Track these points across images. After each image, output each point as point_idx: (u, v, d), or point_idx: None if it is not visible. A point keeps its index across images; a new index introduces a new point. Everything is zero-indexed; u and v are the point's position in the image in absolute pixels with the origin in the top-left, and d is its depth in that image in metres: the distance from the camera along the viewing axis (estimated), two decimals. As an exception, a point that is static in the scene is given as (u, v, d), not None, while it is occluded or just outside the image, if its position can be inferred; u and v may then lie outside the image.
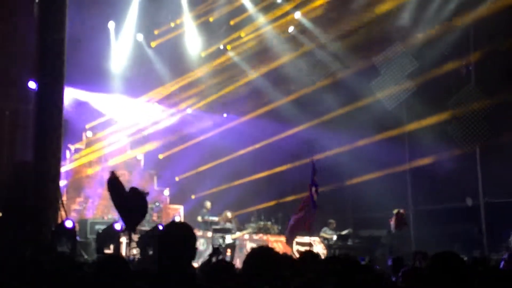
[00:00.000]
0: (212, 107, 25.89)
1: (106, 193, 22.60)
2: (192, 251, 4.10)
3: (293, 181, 25.23)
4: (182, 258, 4.04)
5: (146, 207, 12.34)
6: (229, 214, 21.01)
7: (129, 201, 12.06)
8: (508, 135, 19.96)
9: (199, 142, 25.68)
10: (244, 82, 25.48)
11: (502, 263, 9.35)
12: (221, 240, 19.84)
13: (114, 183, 12.16)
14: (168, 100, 25.48)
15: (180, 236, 4.12)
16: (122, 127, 24.76)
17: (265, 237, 22.02)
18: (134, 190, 12.17)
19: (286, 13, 23.54)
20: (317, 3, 22.59)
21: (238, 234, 20.74)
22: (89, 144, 23.74)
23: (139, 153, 24.93)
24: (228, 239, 20.13)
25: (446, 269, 4.63)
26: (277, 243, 22.02)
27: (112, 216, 20.79)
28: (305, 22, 23.70)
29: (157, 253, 4.16)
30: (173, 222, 4.57)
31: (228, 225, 20.50)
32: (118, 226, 17.10)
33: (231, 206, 22.72)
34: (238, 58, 25.26)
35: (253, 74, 25.40)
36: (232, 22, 24.07)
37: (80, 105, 23.23)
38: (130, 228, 12.07)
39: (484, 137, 20.60)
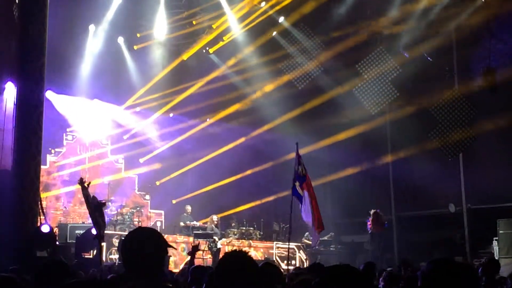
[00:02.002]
0: (191, 111, 25.64)
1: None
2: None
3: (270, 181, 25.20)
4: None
5: (104, 218, 12.26)
6: (215, 218, 20.96)
7: (94, 209, 11.97)
8: (491, 141, 20.01)
9: (180, 145, 25.55)
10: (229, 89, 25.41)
11: (480, 269, 9.11)
12: (212, 245, 19.82)
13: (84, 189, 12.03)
14: (148, 105, 25.26)
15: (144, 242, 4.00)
16: (102, 131, 24.65)
17: (247, 242, 21.93)
18: (95, 199, 12.08)
19: (270, 17, 23.53)
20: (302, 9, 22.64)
21: (224, 239, 20.79)
22: (69, 147, 23.57)
23: (132, 174, 24.91)
24: (219, 244, 20.10)
25: (447, 275, 4.47)
26: (259, 249, 21.96)
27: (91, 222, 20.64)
28: (288, 26, 23.69)
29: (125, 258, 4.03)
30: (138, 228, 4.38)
31: (214, 229, 20.46)
32: (94, 231, 16.96)
33: (213, 210, 22.69)
34: (219, 61, 25.25)
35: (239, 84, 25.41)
36: (214, 26, 24.00)
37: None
38: (99, 235, 11.97)
39: (467, 143, 20.60)
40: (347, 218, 24.79)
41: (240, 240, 21.86)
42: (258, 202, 25.29)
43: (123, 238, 4.03)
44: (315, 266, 9.26)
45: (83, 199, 22.25)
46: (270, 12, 23.28)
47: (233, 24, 23.87)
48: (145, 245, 3.93)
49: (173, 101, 25.15)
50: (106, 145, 24.63)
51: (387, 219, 21.04)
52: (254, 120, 25.60)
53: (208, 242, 19.84)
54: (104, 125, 24.50)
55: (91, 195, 11.86)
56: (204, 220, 23.11)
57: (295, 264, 21.20)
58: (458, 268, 4.37)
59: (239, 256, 3.99)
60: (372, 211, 20.35)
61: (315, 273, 7.25)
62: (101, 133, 24.47)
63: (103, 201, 12.30)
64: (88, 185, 11.76)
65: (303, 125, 24.00)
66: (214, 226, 20.63)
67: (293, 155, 24.29)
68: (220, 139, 25.57)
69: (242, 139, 25.60)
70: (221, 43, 24.67)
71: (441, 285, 4.18)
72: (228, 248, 20.36)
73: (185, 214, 22.60)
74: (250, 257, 4.02)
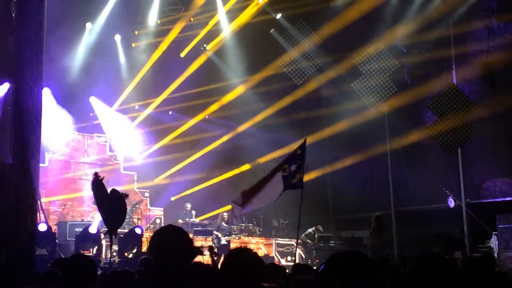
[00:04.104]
0: (191, 109, 25.65)
1: (84, 195, 22.68)
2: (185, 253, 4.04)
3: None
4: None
5: (125, 210, 12.13)
6: (225, 214, 21.02)
7: (110, 203, 11.83)
8: (490, 135, 20.01)
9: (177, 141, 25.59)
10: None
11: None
12: (216, 241, 19.88)
13: (97, 184, 11.93)
14: (155, 106, 25.33)
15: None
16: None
17: (246, 239, 21.93)
18: (114, 192, 11.95)
19: (267, 14, 23.52)
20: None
21: (233, 236, 20.85)
22: (68, 145, 23.58)
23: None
24: (223, 240, 20.15)
25: (430, 270, 4.60)
26: (259, 245, 21.96)
27: (91, 218, 20.67)
28: (285, 23, 23.67)
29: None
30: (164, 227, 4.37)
31: (222, 225, 20.53)
32: (92, 229, 16.95)
33: (212, 206, 22.76)
34: (216, 59, 25.21)
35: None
36: (211, 22, 23.92)
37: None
38: (111, 231, 11.85)
39: (466, 138, 20.58)
40: (346, 213, 24.79)
41: (240, 237, 21.82)
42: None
43: (153, 234, 3.99)
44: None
45: (83, 197, 22.59)
46: (261, 3, 23.21)
47: (230, 20, 23.83)
48: (175, 244, 3.97)
49: (162, 96, 25.12)
50: (105, 143, 24.68)
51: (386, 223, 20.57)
52: (247, 115, 25.54)
53: (212, 238, 20.00)
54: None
55: (110, 188, 11.81)
56: (202, 217, 23.20)
57: (295, 260, 21.24)
58: (438, 261, 4.57)
59: (244, 253, 4.01)
60: (374, 216, 19.22)
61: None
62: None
63: (125, 194, 12.20)
64: (102, 179, 11.71)
65: (298, 119, 24.02)
66: (224, 223, 20.69)
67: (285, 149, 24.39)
68: (215, 134, 25.61)
69: (234, 133, 25.67)
70: (217, 40, 24.60)
71: (423, 276, 4.42)
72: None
73: (184, 211, 22.65)
74: (255, 254, 4.04)
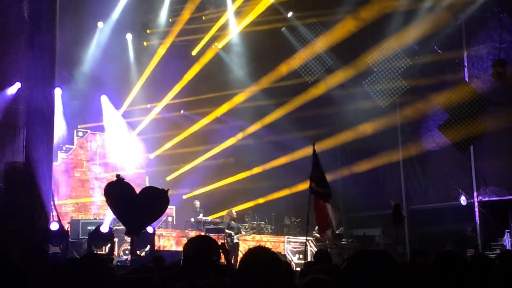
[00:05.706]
0: (203, 108, 25.68)
1: (96, 194, 22.74)
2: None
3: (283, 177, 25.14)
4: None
5: (164, 205, 12.12)
6: (233, 213, 21.03)
7: (142, 201, 11.80)
8: (502, 133, 19.92)
9: (189, 141, 25.59)
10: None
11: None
12: (229, 239, 19.85)
13: (118, 185, 11.91)
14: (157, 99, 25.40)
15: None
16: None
17: (258, 237, 21.93)
18: (150, 189, 11.98)
19: (278, 13, 23.47)
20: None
21: (243, 233, 20.83)
22: (80, 144, 23.68)
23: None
24: (235, 238, 20.14)
25: (449, 268, 4.61)
26: (270, 243, 21.95)
27: (103, 217, 20.73)
28: (297, 22, 23.64)
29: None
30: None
31: (231, 223, 20.49)
32: (104, 228, 16.97)
33: (224, 205, 22.76)
34: (226, 56, 25.18)
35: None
36: (222, 19, 23.85)
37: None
38: (135, 230, 11.86)
39: (478, 136, 20.53)
40: (358, 211, 24.74)
41: (252, 235, 21.78)
42: (269, 197, 25.26)
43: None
44: (321, 255, 9.22)
45: (95, 195, 22.69)
46: (272, 1, 23.13)
47: (240, 18, 23.76)
48: (202, 250, 4.46)
49: (173, 92, 25.12)
50: (116, 142, 24.75)
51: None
52: (257, 118, 25.53)
53: (225, 236, 19.96)
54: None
55: (143, 187, 11.85)
56: (214, 215, 23.20)
57: (307, 258, 21.21)
58: (459, 260, 4.58)
59: (262, 252, 4.01)
60: (393, 203, 19.31)
61: (326, 270, 7.17)
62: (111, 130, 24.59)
63: (167, 188, 12.11)
64: (123, 179, 11.71)
65: (311, 121, 23.94)
66: (232, 221, 20.67)
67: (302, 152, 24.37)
68: (225, 134, 25.72)
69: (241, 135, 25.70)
70: (228, 38, 24.51)
71: (444, 273, 4.44)
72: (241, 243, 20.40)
73: (194, 209, 22.66)
74: (273, 253, 4.04)
